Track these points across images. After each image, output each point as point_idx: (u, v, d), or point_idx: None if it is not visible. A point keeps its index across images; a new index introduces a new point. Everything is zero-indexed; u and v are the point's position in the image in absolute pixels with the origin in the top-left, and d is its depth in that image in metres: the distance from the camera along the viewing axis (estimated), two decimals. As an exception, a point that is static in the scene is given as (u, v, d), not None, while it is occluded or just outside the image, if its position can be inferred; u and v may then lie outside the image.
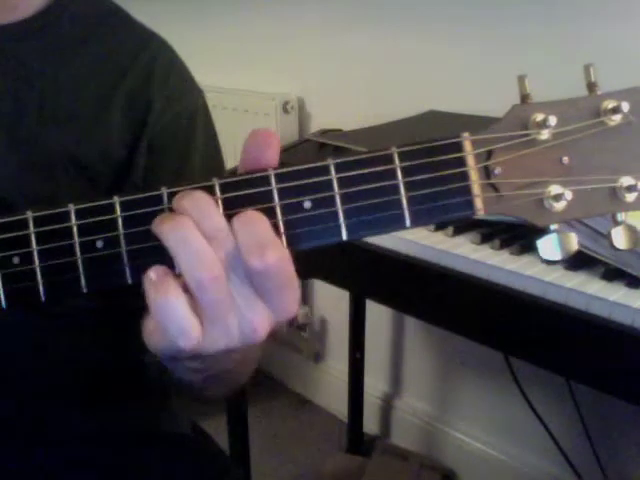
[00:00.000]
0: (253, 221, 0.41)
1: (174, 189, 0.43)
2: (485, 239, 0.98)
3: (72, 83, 0.66)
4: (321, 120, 1.77)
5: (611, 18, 1.23)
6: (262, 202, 0.42)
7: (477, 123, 1.31)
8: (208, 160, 0.73)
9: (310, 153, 1.41)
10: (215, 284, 0.40)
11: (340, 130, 1.55)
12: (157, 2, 1.18)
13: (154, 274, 0.41)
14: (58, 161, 0.64)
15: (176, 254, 0.40)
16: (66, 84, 0.66)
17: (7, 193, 0.62)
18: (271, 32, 1.84)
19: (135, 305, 0.83)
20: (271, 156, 0.44)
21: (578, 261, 0.88)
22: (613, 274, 0.87)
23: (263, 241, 0.40)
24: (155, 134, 0.68)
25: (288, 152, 1.46)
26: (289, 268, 0.41)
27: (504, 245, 0.97)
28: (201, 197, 0.41)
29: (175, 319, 0.40)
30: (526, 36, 1.35)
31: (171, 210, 0.42)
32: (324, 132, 1.56)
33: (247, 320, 0.42)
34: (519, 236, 0.98)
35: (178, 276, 0.41)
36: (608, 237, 0.44)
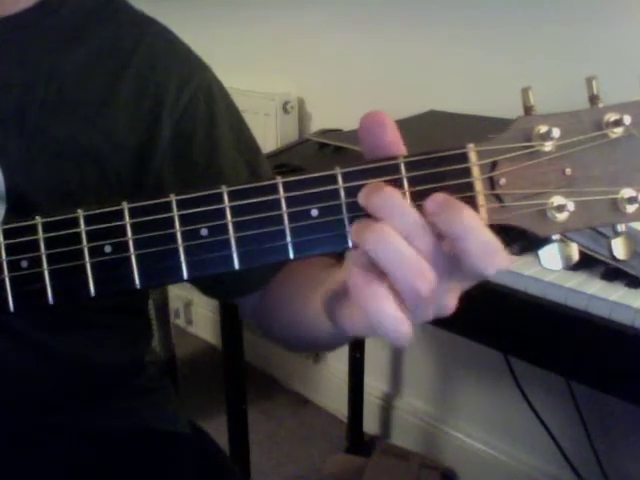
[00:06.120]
0: (479, 228, 0.40)
1: (183, 196, 0.43)
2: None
3: (75, 71, 0.66)
4: (321, 120, 1.77)
5: (612, 19, 1.23)
6: (270, 210, 0.43)
7: (477, 123, 1.32)
8: (236, 131, 0.73)
9: (310, 153, 1.41)
10: (429, 293, 0.40)
11: (340, 130, 1.55)
12: (157, 2, 1.18)
13: (357, 278, 0.41)
14: (66, 149, 0.65)
15: (387, 266, 0.40)
16: (70, 72, 0.66)
17: (17, 182, 0.62)
18: (271, 32, 1.84)
19: (136, 306, 0.83)
20: (390, 136, 0.43)
21: (578, 261, 0.88)
22: (613, 274, 0.87)
23: (493, 248, 0.40)
24: (177, 121, 0.68)
25: (288, 152, 1.46)
26: None
27: (504, 245, 0.97)
28: (393, 194, 0.41)
29: (389, 322, 0.40)
30: (526, 37, 1.35)
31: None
32: (324, 132, 1.56)
33: (443, 302, 0.43)
34: (519, 236, 0.98)
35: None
36: (608, 247, 0.45)
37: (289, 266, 0.67)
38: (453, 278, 0.42)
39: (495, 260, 0.40)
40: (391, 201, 0.40)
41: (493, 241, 0.40)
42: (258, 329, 0.73)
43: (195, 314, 2.44)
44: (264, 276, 0.68)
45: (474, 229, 0.40)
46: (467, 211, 0.40)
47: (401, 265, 0.39)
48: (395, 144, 0.43)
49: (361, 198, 0.42)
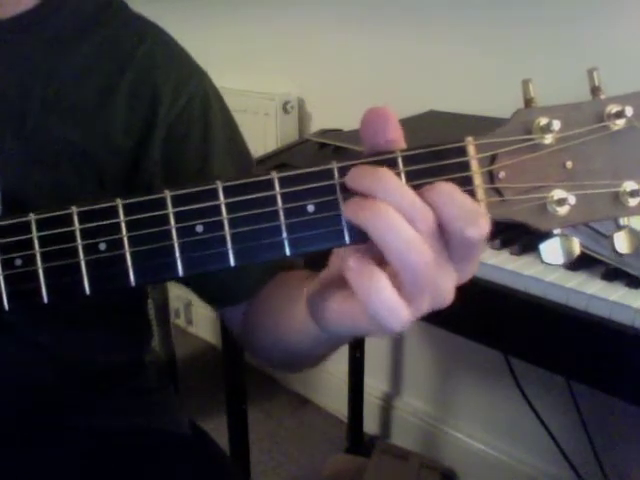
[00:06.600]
0: (454, 192, 0.40)
1: (177, 192, 0.43)
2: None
3: (74, 74, 0.66)
4: (321, 120, 1.77)
5: (612, 19, 1.23)
6: (266, 206, 0.42)
7: (477, 123, 1.31)
8: (230, 139, 0.73)
9: (310, 153, 1.41)
10: (426, 268, 0.40)
11: (340, 130, 1.55)
12: (157, 2, 1.18)
13: (354, 262, 0.41)
14: (63, 152, 0.65)
15: (384, 243, 0.40)
16: (68, 75, 0.66)
17: (14, 185, 0.62)
18: (271, 32, 1.84)
19: (136, 306, 0.83)
20: (392, 134, 0.42)
21: (578, 261, 0.88)
22: (613, 274, 0.87)
23: (472, 209, 0.40)
24: (171, 124, 0.68)
25: (288, 152, 1.46)
26: None
27: (504, 245, 0.97)
28: (387, 175, 0.40)
29: (386, 304, 0.40)
30: (526, 36, 1.35)
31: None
32: (324, 132, 1.56)
33: (441, 289, 0.42)
34: (519, 236, 0.98)
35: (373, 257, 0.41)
36: (610, 241, 0.44)
37: (277, 278, 0.68)
38: (443, 256, 0.41)
39: (477, 220, 0.40)
40: (385, 182, 0.40)
41: (470, 201, 0.40)
42: (244, 346, 0.73)
43: (195, 314, 2.44)
44: (256, 282, 0.68)
45: (450, 193, 0.40)
46: (439, 182, 0.41)
47: (403, 246, 0.39)
48: (397, 142, 0.42)
49: (352, 181, 0.41)
